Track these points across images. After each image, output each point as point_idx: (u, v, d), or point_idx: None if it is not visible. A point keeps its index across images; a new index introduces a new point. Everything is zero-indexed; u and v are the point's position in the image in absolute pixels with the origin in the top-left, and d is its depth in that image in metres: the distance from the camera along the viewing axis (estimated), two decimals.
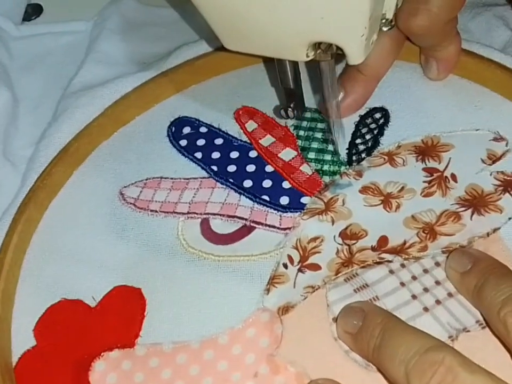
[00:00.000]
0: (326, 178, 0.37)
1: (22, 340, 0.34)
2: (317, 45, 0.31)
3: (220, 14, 0.31)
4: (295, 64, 0.37)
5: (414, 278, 0.32)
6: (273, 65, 0.37)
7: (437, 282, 0.32)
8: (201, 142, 0.41)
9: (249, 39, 0.32)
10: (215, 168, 0.40)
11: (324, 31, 0.30)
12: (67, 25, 0.51)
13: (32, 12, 0.54)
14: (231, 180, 0.39)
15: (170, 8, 0.51)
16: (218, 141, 0.41)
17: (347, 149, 0.39)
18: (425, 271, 0.32)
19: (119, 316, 0.34)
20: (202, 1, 0.31)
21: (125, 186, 0.40)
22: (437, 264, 0.32)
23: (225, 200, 0.38)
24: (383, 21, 0.34)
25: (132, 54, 0.47)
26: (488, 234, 0.33)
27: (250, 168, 0.39)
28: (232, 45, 0.34)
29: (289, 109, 0.38)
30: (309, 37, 0.30)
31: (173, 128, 0.42)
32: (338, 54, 0.31)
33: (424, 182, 0.36)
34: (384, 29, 0.34)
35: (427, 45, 0.39)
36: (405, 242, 0.34)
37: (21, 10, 0.52)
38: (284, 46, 0.32)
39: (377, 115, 0.40)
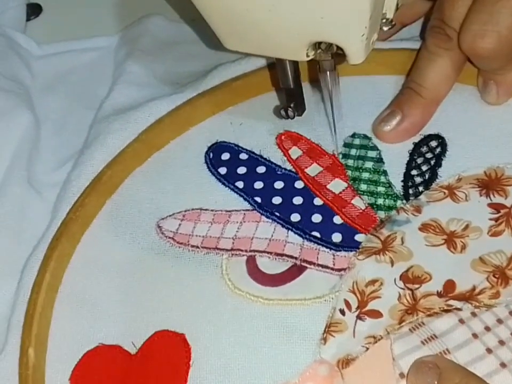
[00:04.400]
0: (381, 214, 0.35)
1: None
2: (317, 45, 0.31)
3: (220, 14, 0.31)
4: (295, 64, 0.36)
5: (487, 329, 0.29)
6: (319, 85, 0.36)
7: None
8: (242, 170, 0.39)
9: (249, 39, 0.32)
10: (258, 199, 0.37)
11: (324, 31, 0.30)
12: (89, 42, 0.49)
13: (32, 12, 0.52)
14: (277, 214, 0.36)
15: (201, 24, 0.49)
16: (261, 169, 0.39)
17: (402, 181, 0.36)
18: (499, 321, 0.30)
19: (162, 364, 0.31)
20: (202, 1, 0.30)
21: (163, 218, 0.37)
22: None
23: (272, 236, 0.35)
24: (384, 20, 0.33)
25: (164, 75, 0.45)
26: None
27: (298, 200, 0.37)
28: (232, 45, 0.33)
29: (289, 109, 0.37)
30: (309, 36, 0.30)
31: (211, 154, 0.40)
32: (339, 54, 0.31)
33: (491, 219, 0.33)
34: (385, 28, 0.34)
35: (490, 68, 0.36)
36: (474, 288, 0.31)
37: (22, 28, 0.50)
38: (283, 46, 0.32)
39: (433, 143, 0.37)
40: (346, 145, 0.38)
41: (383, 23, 0.33)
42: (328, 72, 0.34)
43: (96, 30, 0.50)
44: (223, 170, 0.39)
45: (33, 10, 0.52)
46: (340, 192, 0.36)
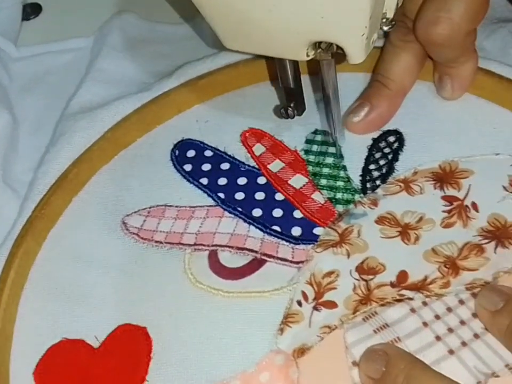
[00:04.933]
0: (340, 207, 0.36)
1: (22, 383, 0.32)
2: (317, 44, 0.31)
3: (220, 13, 0.31)
4: (295, 64, 0.36)
5: (437, 317, 0.30)
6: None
7: (462, 322, 0.30)
8: (206, 166, 0.39)
9: (250, 38, 0.32)
10: (222, 195, 0.38)
11: (324, 31, 0.30)
12: (67, 43, 0.50)
13: (31, 12, 0.53)
14: (239, 209, 0.37)
15: (173, 25, 0.49)
16: (225, 166, 0.39)
17: (361, 175, 0.37)
18: (449, 309, 0.31)
19: (124, 358, 0.32)
20: (202, 1, 0.31)
21: (128, 215, 0.38)
22: (461, 302, 0.31)
23: (234, 230, 0.36)
24: (384, 20, 0.34)
25: (133, 73, 0.45)
26: None
27: (260, 196, 0.37)
28: (232, 44, 0.34)
29: (289, 108, 0.37)
30: (309, 36, 0.30)
31: (177, 152, 0.41)
32: (339, 54, 0.31)
33: (444, 211, 0.34)
34: (385, 28, 0.34)
35: (444, 58, 0.37)
36: (426, 278, 0.32)
37: (17, 29, 0.50)
38: (284, 46, 0.32)
39: (391, 138, 0.38)
40: (308, 141, 0.39)
41: (383, 23, 0.34)
42: (327, 72, 0.34)
43: (96, 30, 0.50)
44: (188, 167, 0.40)
45: (33, 10, 0.53)
46: (301, 187, 0.37)
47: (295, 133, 0.40)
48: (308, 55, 0.32)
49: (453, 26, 0.33)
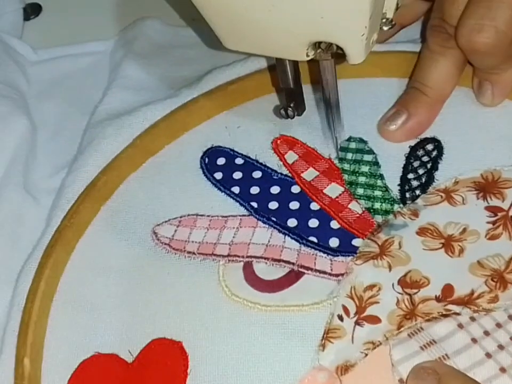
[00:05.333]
0: (378, 218, 0.35)
1: None
2: (317, 45, 0.31)
3: (220, 13, 0.31)
4: (295, 64, 0.36)
5: (486, 333, 0.29)
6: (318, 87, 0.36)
7: None
8: (238, 175, 0.38)
9: (249, 38, 0.32)
10: (255, 204, 0.37)
11: (324, 31, 0.29)
12: (85, 47, 0.49)
13: (31, 12, 0.52)
14: (273, 219, 0.36)
15: (198, 29, 0.48)
16: (257, 174, 0.38)
17: (399, 185, 0.36)
18: (498, 325, 0.29)
19: (160, 373, 0.31)
20: (202, 1, 0.30)
21: (158, 224, 0.37)
22: (511, 317, 0.30)
23: (269, 241, 0.35)
24: (384, 20, 0.33)
25: (159, 79, 0.45)
26: None
27: (294, 205, 0.36)
28: (232, 45, 0.33)
29: (289, 109, 0.37)
30: (309, 36, 0.30)
31: (206, 159, 0.40)
32: (339, 54, 0.31)
33: (488, 222, 0.33)
34: (385, 28, 0.34)
35: (486, 65, 0.36)
36: (472, 292, 0.31)
37: (20, 32, 0.50)
38: (284, 46, 0.31)
39: (429, 146, 0.37)
40: (342, 149, 0.38)
41: (383, 23, 0.33)
42: (327, 72, 0.34)
43: (96, 31, 0.49)
44: (218, 175, 0.39)
45: (33, 10, 0.52)
46: (337, 197, 0.36)
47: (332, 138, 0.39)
48: (307, 55, 0.32)
49: (498, 34, 0.33)
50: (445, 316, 0.30)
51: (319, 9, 0.28)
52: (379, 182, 0.36)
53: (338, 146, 0.38)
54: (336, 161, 0.38)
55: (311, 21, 0.29)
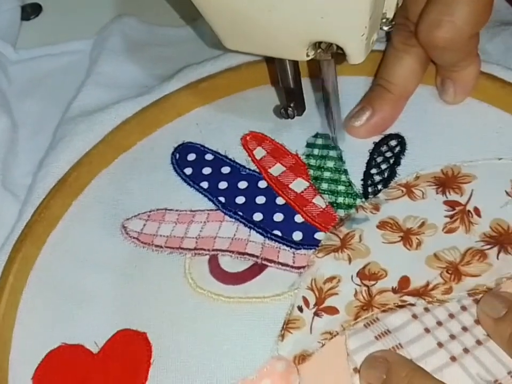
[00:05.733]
0: (341, 212, 0.35)
1: None
2: (317, 45, 0.31)
3: (220, 13, 0.31)
4: (295, 64, 0.36)
5: (439, 323, 0.30)
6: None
7: (464, 329, 0.30)
8: (207, 170, 0.39)
9: (249, 38, 0.32)
10: (222, 199, 0.37)
11: (324, 31, 0.29)
12: (65, 46, 0.49)
13: (31, 12, 0.53)
14: (240, 213, 0.37)
15: (174, 28, 0.49)
16: (225, 170, 0.39)
17: (362, 179, 0.37)
18: (451, 316, 0.30)
19: (124, 363, 0.32)
20: (202, 1, 0.31)
21: (128, 219, 0.37)
22: (463, 308, 0.30)
23: (235, 235, 0.36)
24: (383, 20, 0.34)
25: (133, 76, 0.45)
26: None
27: (260, 200, 0.37)
28: (232, 45, 0.34)
29: (289, 109, 0.37)
30: (309, 36, 0.30)
31: (177, 155, 0.40)
32: (339, 54, 0.31)
33: (446, 216, 0.34)
34: (385, 28, 0.34)
35: (446, 62, 0.37)
36: (428, 284, 0.32)
37: (16, 31, 0.50)
38: (284, 46, 0.31)
39: (393, 142, 0.38)
40: (309, 145, 0.39)
41: (383, 23, 0.34)
42: (327, 72, 0.34)
43: (96, 31, 0.50)
44: (188, 170, 0.39)
45: (33, 10, 0.53)
46: (302, 191, 0.37)
47: (295, 135, 0.40)
48: (307, 55, 0.32)
49: (456, 29, 0.33)
50: (401, 306, 0.31)
51: (319, 9, 0.28)
52: (343, 177, 0.37)
53: (338, 150, 0.38)
54: (302, 157, 0.39)
55: (311, 21, 0.29)
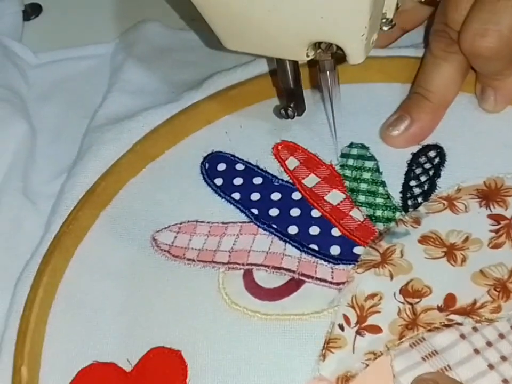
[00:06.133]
0: (380, 226, 0.34)
1: None
2: (317, 45, 0.31)
3: (220, 13, 0.31)
4: (295, 64, 0.36)
5: (489, 344, 0.29)
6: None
7: None
8: (238, 181, 0.38)
9: (249, 38, 0.32)
10: (255, 211, 0.36)
11: (324, 31, 0.30)
12: (85, 50, 0.49)
13: (32, 12, 0.52)
14: (274, 226, 0.35)
15: (199, 31, 0.48)
16: (257, 180, 0.38)
17: (401, 192, 0.35)
18: (501, 336, 0.29)
19: (158, 382, 0.31)
20: (202, 1, 0.30)
21: (158, 231, 0.36)
22: None
23: (269, 248, 0.35)
24: (383, 20, 0.33)
25: (160, 82, 0.44)
26: None
27: (295, 212, 0.36)
28: (232, 45, 0.33)
29: (289, 109, 0.37)
30: (309, 36, 0.30)
31: (207, 165, 0.39)
32: (339, 54, 0.31)
33: (491, 231, 0.33)
34: (385, 28, 0.34)
35: (489, 71, 0.36)
36: (475, 302, 0.30)
37: (19, 34, 0.49)
38: (284, 46, 0.32)
39: (432, 153, 0.37)
40: (343, 155, 0.38)
41: (383, 23, 0.33)
42: (328, 72, 0.34)
43: (97, 31, 0.49)
44: (219, 181, 0.38)
45: (34, 10, 0.52)
46: (338, 204, 0.36)
47: (329, 144, 0.38)
48: (307, 56, 0.32)
49: (502, 39, 0.32)
50: (447, 326, 0.30)
51: (319, 9, 0.28)
52: (381, 189, 0.36)
53: (339, 148, 0.37)
54: (337, 168, 0.37)
55: (311, 21, 0.29)
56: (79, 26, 0.50)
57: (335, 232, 0.35)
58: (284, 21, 0.29)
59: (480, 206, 0.34)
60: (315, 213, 0.36)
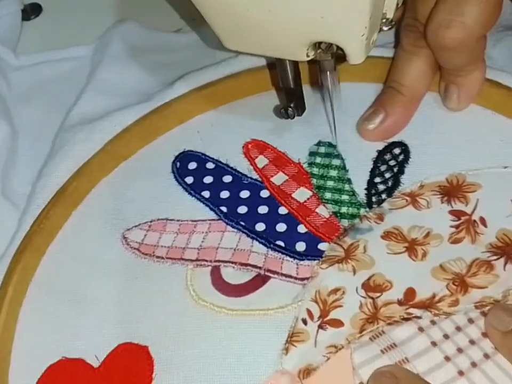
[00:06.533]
0: (345, 222, 0.35)
1: None
2: (317, 45, 0.31)
3: (220, 13, 0.31)
4: (295, 64, 0.36)
5: (446, 336, 0.30)
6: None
7: (472, 342, 0.29)
8: (208, 179, 0.39)
9: (249, 38, 0.32)
10: (224, 209, 0.37)
11: (324, 31, 0.30)
12: (66, 52, 0.49)
13: (31, 12, 0.52)
14: (242, 223, 0.36)
15: (175, 33, 0.49)
16: (227, 179, 0.39)
17: (366, 189, 0.36)
18: (458, 328, 0.30)
19: (125, 378, 0.31)
20: (202, 1, 0.30)
21: (128, 229, 0.37)
22: (470, 321, 0.30)
23: (237, 245, 0.35)
24: (384, 20, 0.33)
25: (134, 83, 0.45)
26: None
27: (263, 209, 0.37)
28: (232, 45, 0.33)
29: (289, 109, 0.37)
30: (309, 36, 0.30)
31: (178, 164, 0.40)
32: (339, 54, 0.31)
33: (451, 226, 0.33)
34: (385, 28, 0.34)
35: (453, 64, 0.36)
36: (434, 296, 0.31)
37: (17, 36, 0.50)
38: (284, 46, 0.32)
39: (396, 150, 0.37)
40: (311, 153, 0.38)
41: (383, 23, 0.34)
42: (328, 72, 0.34)
43: (97, 31, 0.49)
44: (189, 179, 0.39)
45: (34, 10, 0.52)
46: (305, 201, 0.36)
47: (297, 142, 0.39)
48: (308, 56, 0.32)
49: (466, 30, 0.33)
50: (406, 319, 0.31)
51: (319, 9, 0.28)
52: (346, 187, 0.37)
53: (338, 148, 0.38)
54: (305, 166, 0.38)
55: (311, 21, 0.29)
56: (79, 27, 0.51)
57: (301, 228, 0.35)
58: (284, 21, 0.29)
59: (442, 202, 0.34)
60: (282, 210, 0.36)
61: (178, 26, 0.50)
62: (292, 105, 0.37)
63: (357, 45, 0.30)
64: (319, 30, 0.29)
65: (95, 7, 0.52)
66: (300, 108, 0.39)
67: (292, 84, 0.37)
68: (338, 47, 0.31)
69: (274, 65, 0.37)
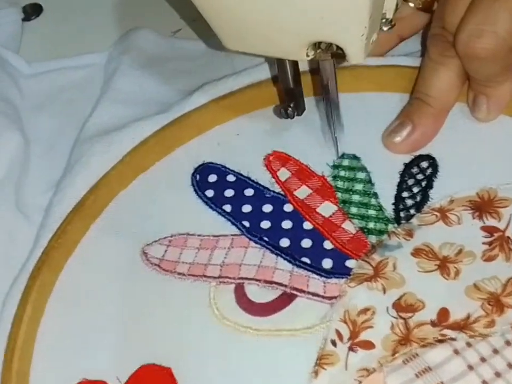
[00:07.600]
0: (372, 238, 0.34)
1: None
2: (317, 45, 0.31)
3: (220, 13, 0.31)
4: (295, 64, 0.36)
5: (482, 359, 0.29)
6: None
7: (510, 365, 0.28)
8: (229, 192, 0.38)
9: (249, 38, 0.32)
10: (247, 224, 0.36)
11: (324, 31, 0.30)
12: (80, 59, 0.48)
13: (32, 12, 0.52)
14: (265, 239, 0.35)
15: (192, 40, 0.48)
16: (249, 192, 0.38)
17: (393, 203, 0.35)
18: (495, 351, 0.29)
19: None
20: (202, 2, 0.30)
21: (148, 244, 0.36)
22: (508, 343, 0.29)
23: (261, 262, 0.34)
24: (383, 20, 0.33)
25: (151, 92, 0.44)
26: None
27: (287, 224, 0.36)
28: (232, 45, 0.33)
29: (289, 109, 0.37)
30: (309, 36, 0.30)
31: (198, 176, 0.39)
32: (339, 54, 0.31)
33: (484, 243, 0.32)
34: (384, 28, 0.34)
35: (483, 75, 0.35)
36: (468, 316, 0.30)
37: (18, 43, 0.49)
38: (283, 46, 0.32)
39: (424, 164, 0.36)
40: (335, 166, 0.37)
41: (383, 23, 0.33)
42: (328, 72, 0.34)
43: (97, 33, 0.49)
44: (210, 193, 0.38)
45: (34, 10, 0.52)
46: (330, 216, 0.35)
47: (321, 155, 0.38)
48: (307, 55, 0.32)
49: (498, 40, 0.32)
50: (440, 341, 0.29)
51: (319, 9, 0.28)
52: (373, 201, 0.35)
53: (338, 148, 0.37)
54: (329, 179, 0.37)
55: (311, 21, 0.29)
56: (79, 27, 0.50)
57: (327, 245, 0.34)
58: (284, 21, 0.29)
59: (473, 218, 0.33)
60: (307, 225, 0.35)
61: (178, 26, 0.49)
62: (291, 105, 0.37)
63: (356, 44, 0.30)
64: (319, 30, 0.29)
65: (95, 7, 0.51)
66: (300, 108, 0.38)
67: (292, 83, 0.37)
68: (338, 47, 0.30)
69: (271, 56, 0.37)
